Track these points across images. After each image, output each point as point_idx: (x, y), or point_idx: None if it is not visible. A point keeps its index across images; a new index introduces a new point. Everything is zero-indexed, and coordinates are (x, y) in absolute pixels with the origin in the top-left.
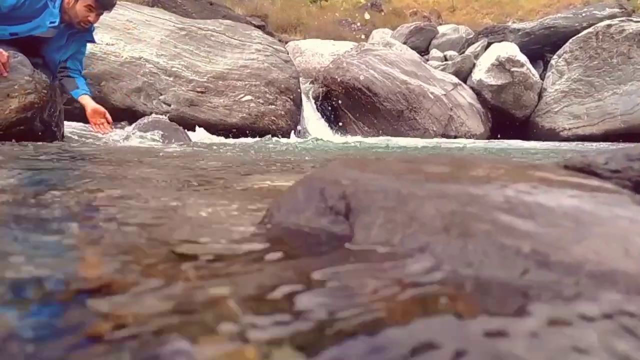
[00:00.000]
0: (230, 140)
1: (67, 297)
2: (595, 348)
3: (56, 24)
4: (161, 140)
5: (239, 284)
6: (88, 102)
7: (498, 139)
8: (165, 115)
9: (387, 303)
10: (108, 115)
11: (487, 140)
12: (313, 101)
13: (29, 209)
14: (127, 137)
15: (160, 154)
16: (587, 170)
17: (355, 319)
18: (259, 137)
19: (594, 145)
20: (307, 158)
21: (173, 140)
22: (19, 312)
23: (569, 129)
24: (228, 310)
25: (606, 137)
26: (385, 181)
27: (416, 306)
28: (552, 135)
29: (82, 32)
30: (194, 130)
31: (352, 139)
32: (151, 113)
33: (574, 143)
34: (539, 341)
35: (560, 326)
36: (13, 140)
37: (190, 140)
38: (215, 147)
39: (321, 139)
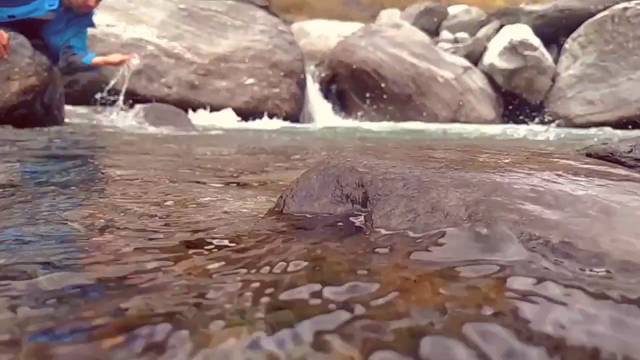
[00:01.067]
0: (233, 125)
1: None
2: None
3: (55, 7)
4: (161, 125)
5: (252, 273)
6: (103, 57)
7: (510, 124)
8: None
9: (407, 294)
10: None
11: (498, 126)
12: (318, 85)
13: (31, 197)
14: (128, 122)
15: (161, 139)
16: (610, 158)
17: (374, 312)
18: (262, 121)
19: (601, 130)
20: (312, 144)
21: (174, 125)
22: None
23: (583, 115)
24: (242, 298)
25: (620, 124)
26: (404, 168)
27: (439, 301)
28: (565, 121)
29: (81, 17)
30: (196, 113)
31: (359, 124)
32: (152, 96)
33: (589, 129)
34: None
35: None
36: (10, 127)
37: (192, 125)
38: (217, 133)
39: (326, 124)
